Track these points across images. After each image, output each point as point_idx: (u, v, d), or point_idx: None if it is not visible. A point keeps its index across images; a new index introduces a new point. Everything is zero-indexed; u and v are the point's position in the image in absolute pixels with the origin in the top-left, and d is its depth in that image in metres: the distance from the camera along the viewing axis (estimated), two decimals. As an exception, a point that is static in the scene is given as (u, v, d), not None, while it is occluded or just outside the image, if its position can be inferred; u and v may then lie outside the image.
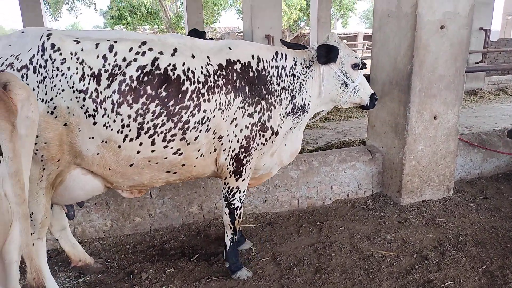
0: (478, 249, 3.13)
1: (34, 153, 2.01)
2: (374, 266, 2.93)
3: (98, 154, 2.20)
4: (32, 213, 2.21)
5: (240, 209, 2.76)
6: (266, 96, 2.50)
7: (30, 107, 1.71)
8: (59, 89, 2.02)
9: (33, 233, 2.27)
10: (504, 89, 9.70)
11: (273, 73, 2.56)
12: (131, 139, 2.19)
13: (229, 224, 2.78)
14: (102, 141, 2.16)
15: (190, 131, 2.29)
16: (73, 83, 2.04)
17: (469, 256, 3.03)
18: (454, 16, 3.56)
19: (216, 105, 2.32)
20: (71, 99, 2.05)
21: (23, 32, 2.12)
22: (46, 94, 2.01)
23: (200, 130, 2.32)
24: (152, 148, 2.25)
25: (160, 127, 2.20)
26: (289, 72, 2.63)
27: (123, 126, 2.15)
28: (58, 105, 2.02)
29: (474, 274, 2.80)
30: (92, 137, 2.14)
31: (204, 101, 2.27)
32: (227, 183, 2.65)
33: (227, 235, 2.82)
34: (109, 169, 2.28)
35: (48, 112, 2.02)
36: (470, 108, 8.82)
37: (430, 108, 3.78)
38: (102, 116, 2.10)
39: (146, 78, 2.13)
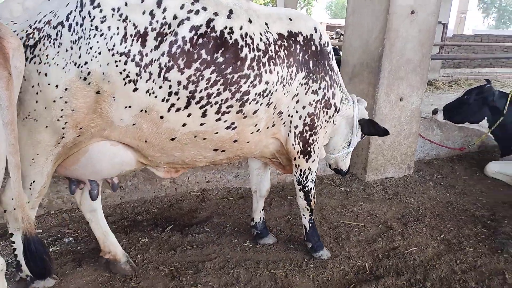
0: (436, 221, 3.37)
1: (57, 119, 1.84)
2: (343, 235, 3.08)
3: (134, 125, 1.97)
4: (33, 182, 2.02)
5: (313, 190, 2.71)
6: (330, 73, 2.42)
7: (19, 57, 1.65)
8: (95, 51, 1.77)
9: (28, 202, 2.03)
10: (457, 81, 10.32)
11: (331, 50, 2.47)
12: (177, 109, 1.96)
13: (306, 207, 2.72)
14: (141, 110, 1.92)
15: (250, 103, 2.08)
16: (113, 45, 1.79)
17: (429, 227, 3.27)
18: (424, 2, 3.74)
19: (278, 78, 2.13)
20: (108, 64, 1.79)
21: None
22: (79, 57, 1.76)
23: (261, 104, 2.12)
24: (202, 121, 2.03)
25: (214, 97, 1.98)
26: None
27: (170, 94, 1.91)
28: (93, 70, 1.78)
29: (433, 242, 3.03)
30: (129, 106, 1.90)
31: (266, 71, 2.07)
32: (298, 165, 2.55)
33: (305, 217, 2.78)
34: (145, 142, 2.07)
35: (80, 77, 1.78)
36: (426, 97, 9.30)
37: (397, 90, 3.97)
38: (146, 82, 1.86)
39: (200, 41, 1.88)
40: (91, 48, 1.77)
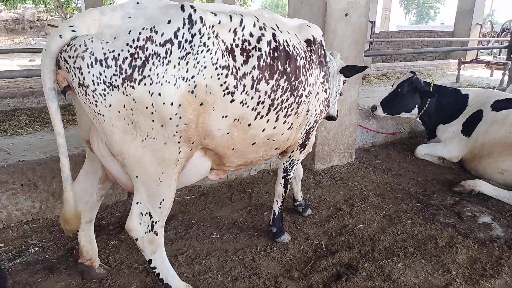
0: (378, 200, 3.82)
1: (173, 135, 1.90)
2: (300, 219, 3.40)
3: (227, 133, 2.13)
4: (163, 200, 2.07)
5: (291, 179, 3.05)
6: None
7: None
8: (202, 66, 1.85)
9: (158, 221, 2.12)
10: (386, 74, 11.23)
11: None
12: (261, 117, 2.20)
13: (282, 194, 3.02)
14: (235, 119, 2.09)
15: (301, 104, 2.41)
16: (217, 59, 1.90)
17: (372, 205, 3.70)
18: (355, 5, 4.17)
19: (314, 79, 2.46)
20: (211, 77, 1.89)
21: (137, 2, 1.85)
22: (187, 71, 1.81)
23: (306, 103, 2.47)
24: (275, 125, 2.31)
25: (285, 103, 2.27)
26: None
27: (258, 103, 2.13)
28: (198, 83, 1.85)
29: (377, 218, 3.45)
30: (226, 116, 2.05)
31: (309, 75, 2.40)
32: (292, 156, 2.89)
33: (277, 203, 3.03)
34: (233, 149, 2.26)
35: (189, 91, 1.83)
36: (360, 90, 10.06)
37: (337, 86, 4.38)
38: (241, 93, 2.03)
39: (276, 54, 2.14)
40: (197, 62, 1.84)
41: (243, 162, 2.50)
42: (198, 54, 1.83)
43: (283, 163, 2.97)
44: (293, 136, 2.63)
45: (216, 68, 1.90)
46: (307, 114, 2.63)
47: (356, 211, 3.55)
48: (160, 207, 2.10)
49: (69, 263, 2.71)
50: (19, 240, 3.02)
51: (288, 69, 2.22)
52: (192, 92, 1.86)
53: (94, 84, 1.73)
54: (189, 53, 1.81)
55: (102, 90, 1.74)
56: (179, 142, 1.95)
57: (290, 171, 2.99)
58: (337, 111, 3.40)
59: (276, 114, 2.28)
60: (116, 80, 1.73)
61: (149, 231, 2.16)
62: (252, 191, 3.96)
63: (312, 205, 3.66)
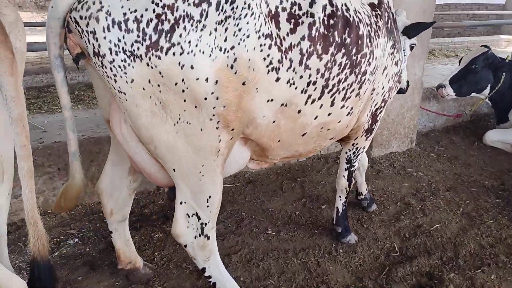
0: (451, 194, 3.34)
1: (210, 119, 1.54)
2: (365, 216, 2.99)
3: (273, 122, 1.77)
4: (209, 197, 1.74)
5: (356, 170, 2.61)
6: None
7: (18, 34, 1.34)
8: (244, 34, 1.47)
9: (208, 222, 1.80)
10: (432, 51, 10.41)
11: None
12: (313, 101, 1.80)
13: (345, 188, 2.60)
14: (282, 104, 1.72)
15: (365, 83, 1.97)
16: (260, 26, 1.50)
17: (445, 201, 3.23)
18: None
19: (381, 51, 2.02)
20: (254, 48, 1.51)
21: None
22: (225, 40, 1.44)
23: (370, 82, 2.01)
24: (330, 111, 1.91)
25: (342, 83, 1.85)
26: None
27: (308, 84, 1.74)
28: (240, 56, 1.48)
29: (455, 216, 2.99)
30: (271, 100, 1.68)
31: (375, 46, 1.95)
32: (356, 144, 2.45)
33: (340, 199, 2.63)
34: (278, 141, 1.87)
35: (228, 65, 1.47)
36: (405, 68, 9.36)
37: (402, 62, 3.85)
38: (287, 70, 1.65)
39: (332, 22, 1.72)
40: (239, 30, 1.46)
41: (290, 154, 2.11)
42: (240, 19, 1.46)
43: (346, 152, 2.52)
44: (354, 122, 2.19)
45: (259, 38, 1.52)
46: (372, 94, 2.16)
47: (429, 208, 3.10)
48: (207, 206, 1.77)
49: (111, 259, 2.42)
50: (57, 229, 2.77)
51: (348, 40, 1.80)
52: (232, 67, 1.49)
53: (111, 54, 1.37)
54: (230, 16, 1.44)
55: (122, 61, 1.39)
56: (217, 128, 1.60)
57: (355, 161, 2.55)
58: (407, 81, 2.87)
59: (331, 97, 1.86)
60: (138, 48, 1.37)
61: (199, 235, 1.82)
62: (303, 180, 3.56)
63: (376, 199, 3.23)
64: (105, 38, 1.35)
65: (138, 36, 1.35)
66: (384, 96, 2.28)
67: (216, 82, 1.47)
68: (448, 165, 3.97)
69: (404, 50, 2.58)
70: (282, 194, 3.32)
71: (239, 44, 1.47)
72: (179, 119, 1.53)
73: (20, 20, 1.36)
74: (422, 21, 3.75)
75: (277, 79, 1.63)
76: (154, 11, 1.35)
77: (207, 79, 1.45)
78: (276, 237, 2.70)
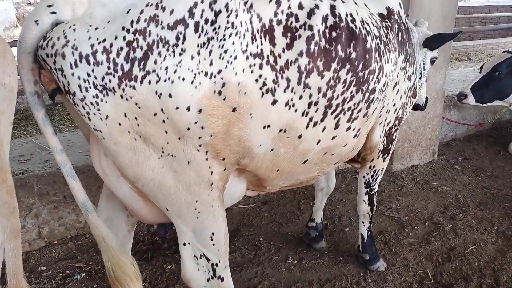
0: (482, 211, 3.11)
1: (197, 149, 1.38)
2: (392, 239, 2.77)
3: (271, 150, 1.59)
4: (213, 234, 1.57)
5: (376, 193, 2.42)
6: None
7: (6, 68, 1.18)
8: (230, 56, 1.31)
9: (218, 262, 1.62)
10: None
11: None
12: (314, 124, 1.62)
13: (368, 213, 2.40)
14: (280, 130, 1.55)
15: (373, 102, 1.79)
16: (246, 45, 1.34)
17: (477, 219, 3.00)
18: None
19: (391, 66, 1.83)
20: (243, 70, 1.35)
21: None
22: (211, 64, 1.29)
23: (380, 100, 1.83)
24: (334, 134, 1.73)
25: (348, 102, 1.67)
26: None
27: (309, 105, 1.56)
28: (228, 80, 1.33)
29: (489, 237, 2.76)
30: (268, 126, 1.50)
31: (385, 61, 1.77)
32: (373, 166, 2.24)
33: (363, 225, 2.43)
34: (277, 171, 1.69)
35: (214, 91, 1.32)
36: (417, 74, 9.14)
37: (422, 70, 3.65)
38: (284, 91, 1.48)
39: (334, 34, 1.54)
40: (225, 52, 1.30)
41: (290, 183, 1.92)
42: (224, 39, 1.30)
43: (364, 176, 2.31)
44: (361, 144, 2.01)
45: (247, 58, 1.36)
46: (380, 112, 1.97)
47: (460, 227, 2.87)
48: (213, 244, 1.59)
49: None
50: (63, 262, 2.59)
51: (353, 55, 1.61)
52: (220, 93, 1.33)
53: (82, 91, 1.23)
54: (212, 38, 1.29)
55: (94, 97, 1.24)
56: (207, 159, 1.44)
57: (374, 185, 2.35)
58: (426, 97, 2.66)
59: (335, 118, 1.67)
60: (110, 81, 1.23)
61: (212, 277, 1.64)
62: (323, 198, 3.35)
63: (402, 219, 3.01)
64: (73, 74, 1.21)
65: (108, 68, 1.22)
66: (397, 113, 2.09)
67: (200, 110, 1.32)
68: (474, 178, 3.73)
69: (423, 64, 2.39)
70: (301, 215, 3.12)
71: (226, 67, 1.32)
72: (163, 152, 1.38)
73: (9, 51, 1.21)
74: (442, 28, 3.59)
75: (274, 102, 1.46)
76: (124, 38, 1.21)
77: (188, 108, 1.30)
78: (298, 266, 2.49)
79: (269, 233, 2.87)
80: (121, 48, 1.21)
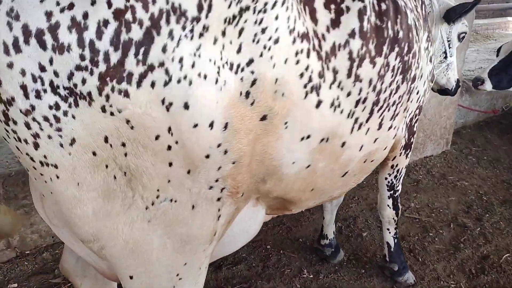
0: (508, 210, 2.83)
1: (210, 186, 0.95)
2: (417, 245, 2.46)
3: (307, 167, 1.21)
4: None
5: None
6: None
7: None
8: (270, 37, 0.89)
9: None
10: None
11: None
12: (360, 126, 1.27)
13: (393, 218, 2.06)
14: (322, 139, 1.17)
15: (412, 93, 1.51)
16: (295, 21, 0.92)
17: (504, 219, 2.72)
18: None
19: (423, 46, 1.52)
20: (286, 60, 0.93)
21: None
22: (239, 51, 0.88)
23: (415, 89, 1.53)
24: (377, 135, 1.38)
25: (393, 95, 1.33)
26: None
27: (357, 103, 1.20)
28: (261, 75, 0.91)
29: (523, 242, 2.48)
30: (308, 136, 1.12)
31: (420, 41, 1.46)
32: (396, 165, 1.89)
33: (389, 232, 2.11)
34: (311, 190, 1.29)
35: (241, 93, 0.91)
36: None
37: (442, 53, 3.30)
38: (330, 87, 1.10)
39: (384, 7, 1.19)
40: (262, 31, 0.85)
41: (320, 202, 1.56)
42: (265, 11, 0.88)
43: (386, 178, 1.96)
44: (393, 143, 1.68)
45: (294, 41, 0.96)
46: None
47: (489, 231, 2.58)
48: None
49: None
50: (37, 277, 2.20)
51: (400, 34, 1.26)
52: (247, 95, 0.92)
53: (27, 96, 0.75)
54: (248, 8, 0.86)
55: (51, 107, 0.76)
56: (218, 200, 1.00)
57: (398, 186, 2.02)
58: (457, 80, 2.30)
59: (380, 117, 1.34)
60: (84, 81, 0.75)
61: None
62: (333, 196, 3.02)
63: (424, 220, 2.71)
64: (9, 66, 0.72)
65: (82, 58, 0.73)
66: (419, 102, 1.74)
67: (226, 125, 0.90)
68: (492, 170, 3.45)
69: (448, 41, 2.05)
70: (311, 217, 2.78)
71: (261, 55, 0.90)
72: (157, 197, 0.92)
73: None
74: None
75: (318, 103, 1.09)
76: (110, 4, 0.72)
77: (211, 124, 0.87)
78: (315, 281, 2.16)
79: (277, 239, 2.53)
80: (105, 23, 0.72)
